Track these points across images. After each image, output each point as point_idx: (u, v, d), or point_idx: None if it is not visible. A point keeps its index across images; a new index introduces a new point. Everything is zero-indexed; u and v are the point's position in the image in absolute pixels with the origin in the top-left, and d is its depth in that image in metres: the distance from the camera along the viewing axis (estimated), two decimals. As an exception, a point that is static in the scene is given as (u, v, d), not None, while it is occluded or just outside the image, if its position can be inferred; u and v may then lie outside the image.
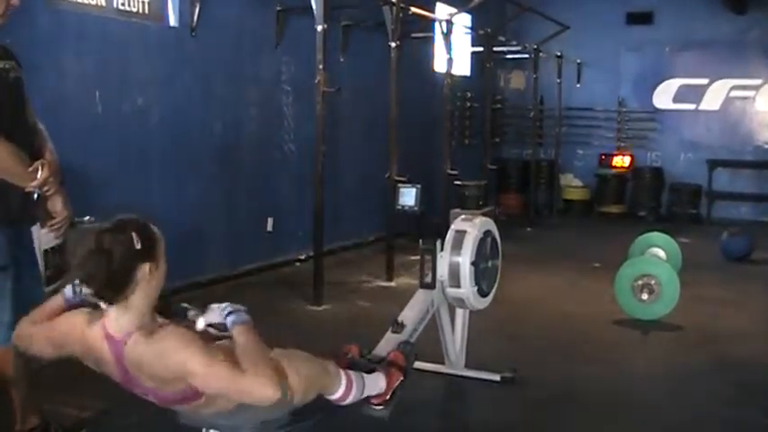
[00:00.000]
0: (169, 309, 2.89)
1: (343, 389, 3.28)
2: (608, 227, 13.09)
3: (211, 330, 2.86)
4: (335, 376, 3.26)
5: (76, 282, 2.72)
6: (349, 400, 3.33)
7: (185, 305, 2.95)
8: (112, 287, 2.60)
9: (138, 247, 2.62)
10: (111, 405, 4.54)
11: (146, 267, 2.64)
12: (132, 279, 2.62)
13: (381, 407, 3.58)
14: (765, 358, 6.00)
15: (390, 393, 3.61)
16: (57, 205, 3.60)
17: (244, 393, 2.62)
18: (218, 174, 7.87)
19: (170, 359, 2.58)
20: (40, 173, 3.49)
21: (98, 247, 2.57)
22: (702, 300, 7.54)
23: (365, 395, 3.45)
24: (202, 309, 2.90)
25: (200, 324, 2.84)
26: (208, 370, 2.57)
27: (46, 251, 3.65)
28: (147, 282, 2.66)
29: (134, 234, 2.62)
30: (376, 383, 3.55)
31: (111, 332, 2.65)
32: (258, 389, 2.59)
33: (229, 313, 2.83)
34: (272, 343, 3.04)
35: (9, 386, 3.76)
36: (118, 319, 2.65)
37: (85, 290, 2.64)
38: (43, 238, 3.63)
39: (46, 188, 3.53)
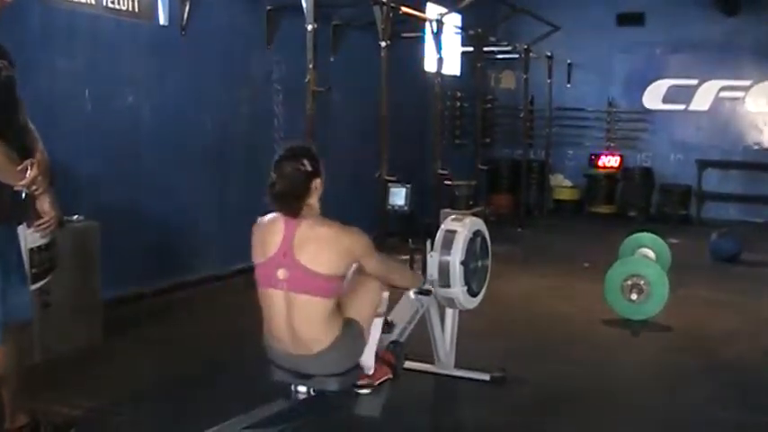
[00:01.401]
0: None
1: (387, 294, 3.95)
2: (598, 227, 13.11)
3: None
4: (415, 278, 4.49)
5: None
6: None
7: None
8: (298, 200, 3.45)
9: (309, 169, 3.47)
10: (100, 403, 4.55)
11: (317, 181, 3.51)
12: (309, 192, 3.48)
13: (366, 390, 3.80)
14: (754, 358, 6.02)
15: (377, 382, 3.80)
16: (45, 205, 3.59)
17: (394, 273, 3.91)
18: (208, 172, 7.86)
19: (341, 239, 3.46)
20: (28, 172, 3.48)
21: (282, 173, 3.45)
22: (691, 300, 7.57)
23: (363, 357, 3.75)
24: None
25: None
26: (377, 255, 3.64)
27: (32, 250, 3.64)
28: (317, 190, 3.53)
29: (305, 160, 3.48)
30: (372, 353, 3.79)
31: (293, 220, 3.46)
32: (410, 277, 4.30)
33: None
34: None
35: (-1, 384, 3.75)
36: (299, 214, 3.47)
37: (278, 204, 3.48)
38: (29, 237, 3.62)
39: (34, 187, 3.51)
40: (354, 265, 3.60)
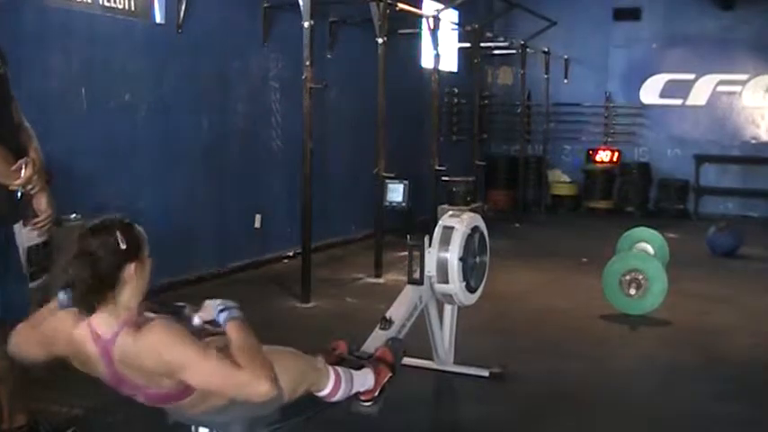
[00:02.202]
0: (164, 304, 2.88)
1: (332, 385, 3.28)
2: (596, 222, 13.12)
3: (208, 326, 2.87)
4: (324, 373, 3.26)
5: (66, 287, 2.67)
6: (338, 396, 3.33)
7: (181, 303, 2.95)
8: (99, 290, 2.59)
9: (123, 247, 2.62)
10: (98, 403, 4.53)
11: (131, 267, 2.64)
12: (118, 280, 2.62)
13: (370, 403, 3.59)
14: (752, 353, 6.03)
15: (379, 390, 3.62)
16: (41, 204, 3.58)
17: (240, 388, 2.60)
18: (205, 170, 7.85)
19: (161, 353, 2.55)
20: (23, 171, 3.46)
21: (83, 250, 2.58)
22: (690, 295, 7.56)
23: (354, 391, 3.45)
24: (196, 306, 2.90)
25: (196, 320, 2.85)
26: (203, 364, 2.57)
27: (29, 248, 3.64)
28: (134, 280, 2.66)
29: (119, 234, 2.62)
30: (365, 379, 3.55)
31: (100, 332, 2.62)
32: (255, 384, 2.57)
33: (222, 310, 2.83)
34: (260, 340, 3.04)
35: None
36: (105, 319, 2.62)
37: (70, 294, 2.62)
38: (26, 235, 3.62)
39: (30, 186, 3.51)
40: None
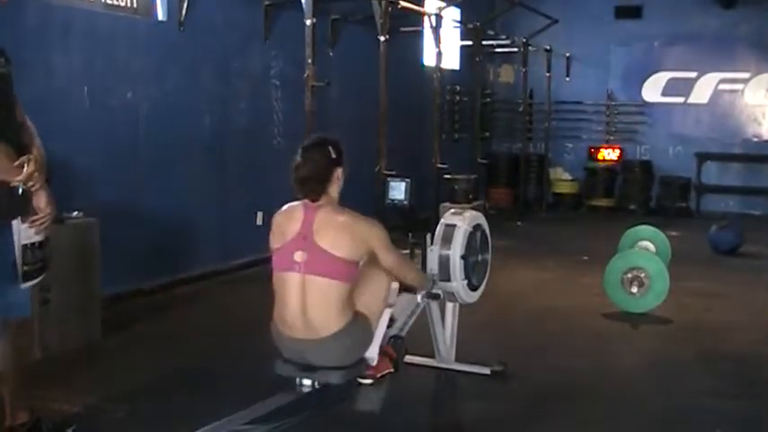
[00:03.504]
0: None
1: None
2: (597, 220, 13.12)
3: None
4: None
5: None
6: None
7: None
8: (321, 184, 3.64)
9: (334, 156, 3.69)
10: (100, 400, 4.54)
11: (338, 170, 3.72)
12: (331, 178, 3.69)
13: (369, 381, 3.84)
14: (753, 350, 6.02)
15: (379, 375, 3.84)
16: (41, 201, 3.57)
17: (406, 271, 3.94)
18: (207, 168, 7.85)
19: (360, 227, 3.63)
20: (25, 168, 3.47)
21: (308, 157, 3.66)
22: (691, 293, 7.56)
23: (386, 312, 3.92)
24: None
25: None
26: (382, 238, 3.69)
27: (25, 246, 3.59)
28: (338, 179, 3.73)
29: (330, 147, 3.70)
30: (376, 347, 3.84)
31: (312, 203, 3.64)
32: (418, 280, 4.21)
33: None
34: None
35: (-1, 382, 3.75)
36: (319, 200, 3.65)
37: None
38: (23, 233, 3.58)
39: (31, 183, 3.51)
40: (365, 258, 3.67)
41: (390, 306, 3.93)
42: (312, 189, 3.62)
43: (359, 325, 3.62)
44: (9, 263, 3.59)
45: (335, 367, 3.59)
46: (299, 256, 3.54)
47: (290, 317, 3.58)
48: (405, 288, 4.74)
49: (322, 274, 3.51)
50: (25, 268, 3.61)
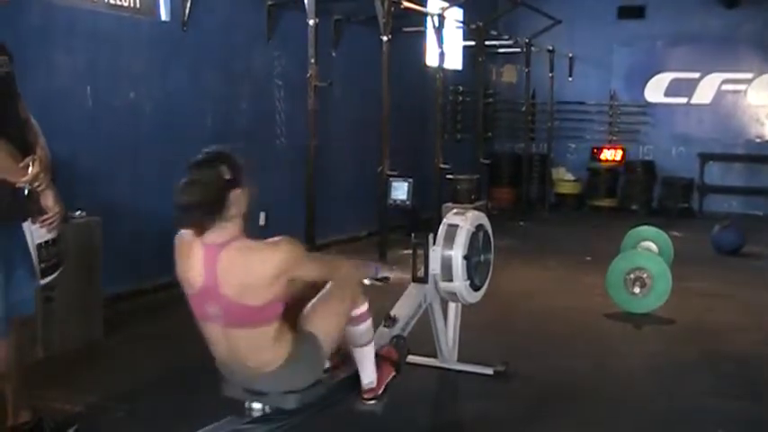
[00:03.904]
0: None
1: (365, 309, 3.53)
2: (600, 220, 13.11)
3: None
4: (364, 294, 3.58)
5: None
6: (363, 326, 3.53)
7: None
8: (209, 213, 2.99)
9: (228, 177, 3.00)
10: (101, 400, 4.55)
11: (236, 193, 3.02)
12: (225, 204, 3.00)
13: (373, 401, 3.61)
14: (756, 351, 6.02)
15: (382, 388, 3.62)
16: (48, 201, 3.59)
17: (340, 271, 3.39)
18: (209, 168, 7.84)
19: (264, 263, 3.01)
20: (30, 168, 3.47)
21: (193, 180, 3.00)
22: (694, 293, 7.56)
23: (366, 348, 3.58)
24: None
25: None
26: (305, 258, 3.20)
27: (39, 245, 3.65)
28: (238, 204, 3.04)
29: (223, 165, 3.01)
30: (372, 365, 3.61)
31: (210, 242, 3.03)
32: (352, 272, 3.50)
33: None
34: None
35: (1, 381, 3.75)
36: (217, 234, 3.03)
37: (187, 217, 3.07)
38: (35, 233, 3.63)
39: (37, 184, 3.52)
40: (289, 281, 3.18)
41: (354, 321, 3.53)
42: (198, 221, 3.03)
43: (304, 350, 3.23)
44: (17, 261, 3.60)
45: (287, 392, 3.26)
46: (211, 309, 3.09)
47: (222, 358, 3.26)
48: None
49: (241, 326, 3.08)
50: (42, 266, 3.67)
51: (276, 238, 3.13)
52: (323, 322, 3.32)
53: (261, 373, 3.18)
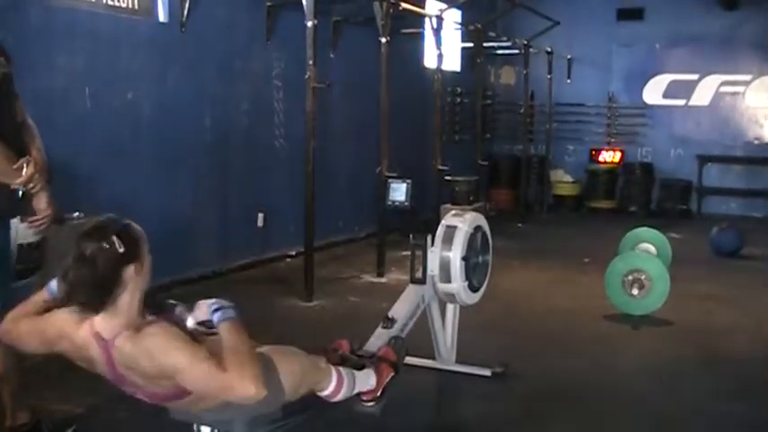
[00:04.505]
0: (158, 304, 2.88)
1: (334, 385, 3.29)
2: (598, 222, 13.11)
3: (200, 328, 2.86)
4: (326, 373, 3.27)
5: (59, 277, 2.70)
6: (340, 396, 3.34)
7: (172, 301, 2.94)
8: (100, 293, 2.60)
9: (122, 250, 2.62)
10: (100, 401, 4.54)
11: (131, 269, 2.64)
12: (118, 282, 2.62)
13: (372, 403, 3.59)
14: (754, 353, 6.02)
15: (381, 390, 3.62)
16: (41, 203, 3.58)
17: (227, 391, 2.59)
18: (208, 169, 7.85)
19: (157, 357, 2.57)
20: (25, 170, 3.47)
21: (81, 255, 2.58)
22: (692, 295, 7.56)
23: (356, 391, 3.46)
24: (190, 305, 2.89)
25: (190, 322, 2.85)
26: (192, 368, 2.55)
27: (21, 245, 3.61)
28: (134, 281, 2.66)
29: (115, 238, 2.61)
30: (367, 380, 3.56)
31: (100, 332, 2.64)
32: (241, 387, 2.56)
33: (216, 310, 2.81)
34: (263, 339, 3.05)
35: (-1, 382, 3.75)
36: (107, 320, 2.64)
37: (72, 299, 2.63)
38: (21, 232, 3.59)
39: (31, 185, 3.51)
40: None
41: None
42: (87, 300, 2.61)
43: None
44: (8, 261, 3.60)
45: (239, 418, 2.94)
46: (129, 390, 2.77)
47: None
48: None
49: (167, 401, 2.79)
50: (19, 266, 3.63)
51: (168, 328, 2.65)
52: (283, 365, 2.95)
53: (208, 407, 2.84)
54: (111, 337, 2.62)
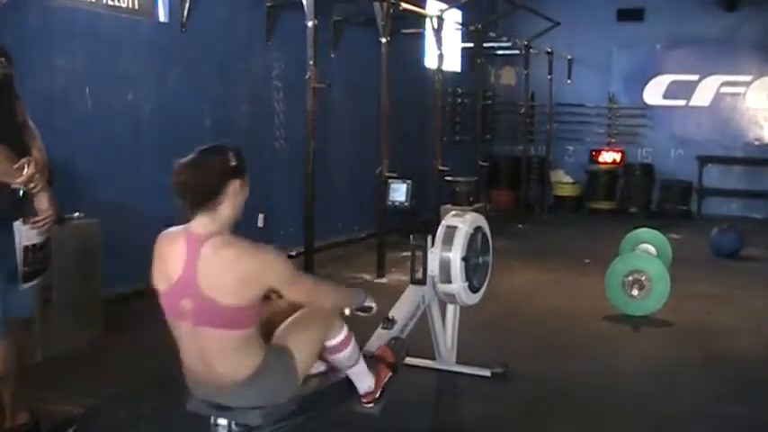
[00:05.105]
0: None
1: (342, 337, 3.43)
2: (598, 223, 13.11)
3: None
4: (338, 324, 3.44)
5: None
6: (343, 354, 3.45)
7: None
8: (205, 196, 2.93)
9: (233, 164, 2.98)
10: (99, 401, 4.54)
11: (236, 183, 2.99)
12: (224, 191, 2.95)
13: (371, 404, 3.61)
14: (754, 354, 6.02)
15: (380, 391, 3.63)
16: (42, 203, 3.58)
17: (309, 294, 3.20)
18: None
19: (249, 264, 2.93)
20: (26, 170, 3.47)
21: (197, 161, 2.98)
22: (692, 296, 7.56)
23: (356, 368, 3.54)
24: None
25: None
26: (285, 265, 3.03)
27: (26, 248, 3.60)
28: (235, 196, 2.99)
29: (230, 153, 2.99)
30: (366, 375, 3.59)
31: (195, 230, 2.96)
32: (335, 300, 3.37)
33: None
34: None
35: (-1, 383, 3.75)
36: (203, 223, 2.97)
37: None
38: (24, 234, 3.59)
39: (32, 185, 3.51)
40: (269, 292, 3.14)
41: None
42: (194, 202, 2.96)
43: (276, 365, 3.10)
44: (10, 264, 3.59)
45: (253, 407, 3.09)
46: (185, 305, 2.95)
47: (189, 364, 3.12)
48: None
49: (213, 325, 2.94)
50: (25, 269, 3.62)
51: (266, 245, 3.06)
52: (298, 344, 3.19)
53: (228, 383, 3.03)
54: (206, 236, 2.94)
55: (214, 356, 3.00)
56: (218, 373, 3.03)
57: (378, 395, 3.62)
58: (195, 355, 3.05)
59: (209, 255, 2.91)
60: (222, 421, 3.15)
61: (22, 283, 3.63)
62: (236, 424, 3.14)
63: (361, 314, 3.65)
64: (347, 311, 3.56)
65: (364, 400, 3.59)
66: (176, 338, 3.12)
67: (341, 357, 3.45)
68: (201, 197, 2.94)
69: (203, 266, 2.90)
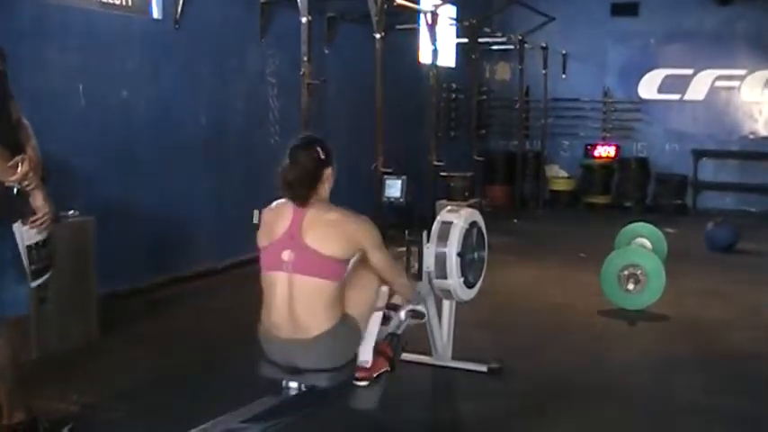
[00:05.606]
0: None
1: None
2: (594, 217, 13.13)
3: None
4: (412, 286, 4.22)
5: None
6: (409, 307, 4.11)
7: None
8: (309, 187, 3.57)
9: (323, 157, 3.64)
10: (96, 399, 4.54)
11: (328, 170, 3.68)
12: (321, 179, 3.62)
13: (365, 382, 3.73)
14: (750, 348, 6.03)
15: (375, 374, 3.75)
16: (37, 201, 3.58)
17: (396, 273, 3.86)
18: (203, 167, 7.84)
19: (349, 224, 3.59)
20: (19, 168, 3.46)
21: (295, 161, 3.60)
22: (688, 290, 7.57)
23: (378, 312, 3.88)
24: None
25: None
26: (382, 246, 3.71)
27: (29, 247, 3.62)
28: (329, 179, 3.69)
29: (318, 148, 3.65)
30: (372, 340, 3.80)
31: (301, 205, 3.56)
32: (404, 280, 3.98)
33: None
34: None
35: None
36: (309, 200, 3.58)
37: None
38: (25, 234, 3.60)
39: (26, 183, 3.50)
40: (357, 256, 3.65)
41: (379, 310, 3.84)
42: (300, 193, 3.56)
43: (347, 326, 3.55)
44: (7, 262, 3.59)
45: (322, 369, 3.50)
46: (286, 255, 3.47)
47: (276, 317, 3.50)
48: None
49: (310, 273, 3.45)
50: (33, 267, 3.65)
51: (360, 216, 3.68)
52: (360, 307, 3.66)
53: (305, 338, 3.44)
54: (310, 204, 3.56)
55: (302, 305, 3.45)
56: (301, 323, 3.45)
57: (372, 376, 3.76)
58: (284, 306, 3.47)
59: (314, 215, 3.53)
60: (293, 384, 3.51)
61: (32, 281, 3.67)
62: (306, 386, 3.50)
63: (413, 320, 4.21)
64: (402, 314, 4.09)
65: (359, 375, 3.73)
66: (267, 294, 3.55)
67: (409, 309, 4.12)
68: (304, 190, 3.56)
69: (307, 223, 3.50)
